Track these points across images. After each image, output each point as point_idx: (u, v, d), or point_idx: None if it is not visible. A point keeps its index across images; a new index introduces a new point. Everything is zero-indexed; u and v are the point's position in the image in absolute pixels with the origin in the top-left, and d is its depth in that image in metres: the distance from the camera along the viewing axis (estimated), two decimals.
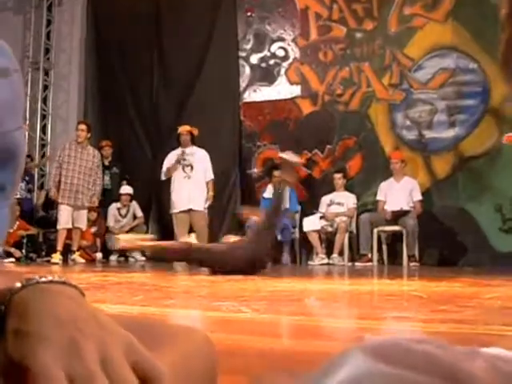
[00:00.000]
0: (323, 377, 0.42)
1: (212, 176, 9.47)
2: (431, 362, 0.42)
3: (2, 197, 0.50)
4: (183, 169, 9.40)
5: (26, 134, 11.32)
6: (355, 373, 0.40)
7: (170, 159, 9.58)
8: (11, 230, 9.51)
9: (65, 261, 9.55)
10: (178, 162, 9.39)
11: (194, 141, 9.61)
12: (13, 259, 9.41)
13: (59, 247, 9.63)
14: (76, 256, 9.67)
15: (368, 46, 10.76)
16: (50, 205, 10.83)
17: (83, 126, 9.89)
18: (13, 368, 0.49)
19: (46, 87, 13.02)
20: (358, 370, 0.40)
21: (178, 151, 9.53)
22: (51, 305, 0.54)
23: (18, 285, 0.57)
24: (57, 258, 9.44)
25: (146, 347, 0.54)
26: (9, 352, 0.50)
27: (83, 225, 9.91)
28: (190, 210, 9.27)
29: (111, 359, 0.50)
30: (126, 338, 0.53)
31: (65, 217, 9.68)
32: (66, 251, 9.77)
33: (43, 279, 0.58)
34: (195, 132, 9.68)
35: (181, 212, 9.35)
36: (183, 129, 9.70)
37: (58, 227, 9.70)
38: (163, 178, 9.69)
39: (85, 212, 9.91)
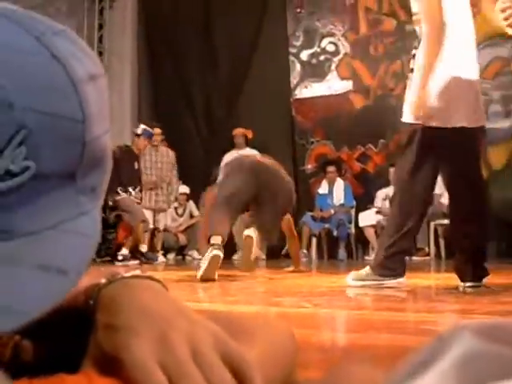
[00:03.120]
0: (430, 357, 0.41)
1: None
2: None
3: (94, 197, 0.53)
4: None
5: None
6: (469, 352, 0.39)
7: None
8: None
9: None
10: None
11: (248, 142, 9.63)
12: None
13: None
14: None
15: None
16: (107, 207, 10.92)
17: (158, 130, 9.98)
18: (107, 360, 0.51)
19: None
20: (472, 349, 0.39)
21: (234, 153, 9.57)
22: (139, 299, 0.56)
23: (104, 280, 0.59)
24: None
25: (233, 339, 0.55)
26: (101, 345, 0.52)
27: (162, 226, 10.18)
28: None
29: (201, 351, 0.51)
30: (213, 330, 0.55)
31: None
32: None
33: (128, 274, 0.61)
34: (249, 134, 9.70)
35: None
36: (237, 131, 9.73)
37: None
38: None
39: (164, 214, 10.18)
